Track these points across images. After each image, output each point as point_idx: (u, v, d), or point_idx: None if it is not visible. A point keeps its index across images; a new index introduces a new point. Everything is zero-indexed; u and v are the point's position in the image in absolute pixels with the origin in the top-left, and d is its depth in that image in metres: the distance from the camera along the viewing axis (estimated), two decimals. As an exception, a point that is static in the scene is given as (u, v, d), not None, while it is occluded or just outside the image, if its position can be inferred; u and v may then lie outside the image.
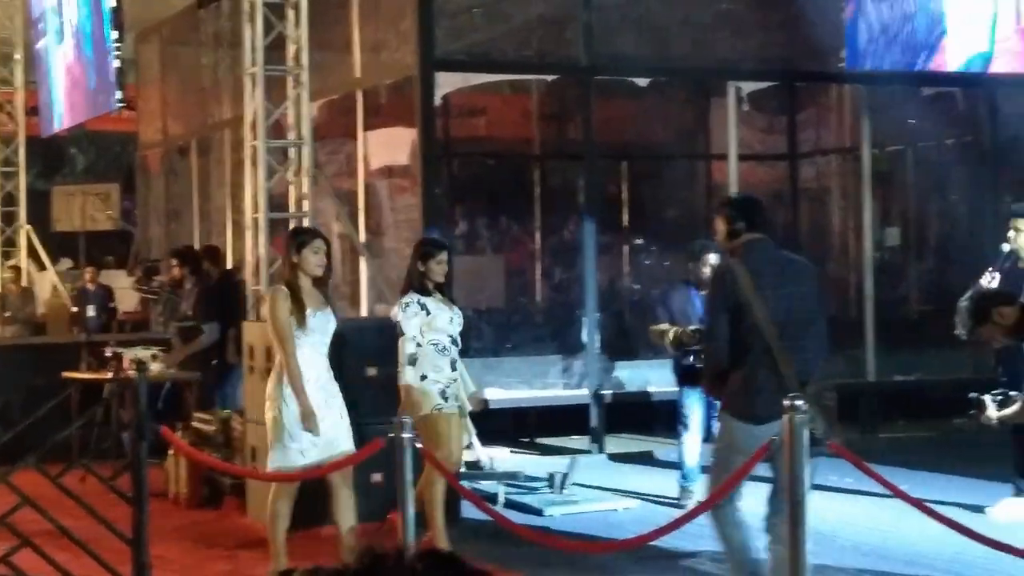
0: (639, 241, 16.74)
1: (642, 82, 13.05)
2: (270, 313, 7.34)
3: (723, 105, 13.51)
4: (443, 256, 8.09)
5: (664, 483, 10.22)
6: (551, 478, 10.08)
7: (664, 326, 9.13)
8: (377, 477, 8.58)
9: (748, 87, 13.42)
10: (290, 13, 11.41)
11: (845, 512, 9.22)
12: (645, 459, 11.92)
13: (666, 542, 7.77)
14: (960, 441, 11.57)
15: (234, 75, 13.94)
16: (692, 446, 9.57)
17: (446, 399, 7.96)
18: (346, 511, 7.36)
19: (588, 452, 11.92)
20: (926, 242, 17.69)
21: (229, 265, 13.88)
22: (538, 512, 9.36)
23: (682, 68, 13.62)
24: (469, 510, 8.57)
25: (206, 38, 16.39)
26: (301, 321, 7.23)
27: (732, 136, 13.15)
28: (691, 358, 9.08)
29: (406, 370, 7.94)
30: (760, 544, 6.41)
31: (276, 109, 11.50)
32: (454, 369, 8.07)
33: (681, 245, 16.39)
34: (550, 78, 13.63)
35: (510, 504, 9.50)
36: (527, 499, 9.68)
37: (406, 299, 8.05)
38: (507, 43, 13.66)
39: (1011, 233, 9.01)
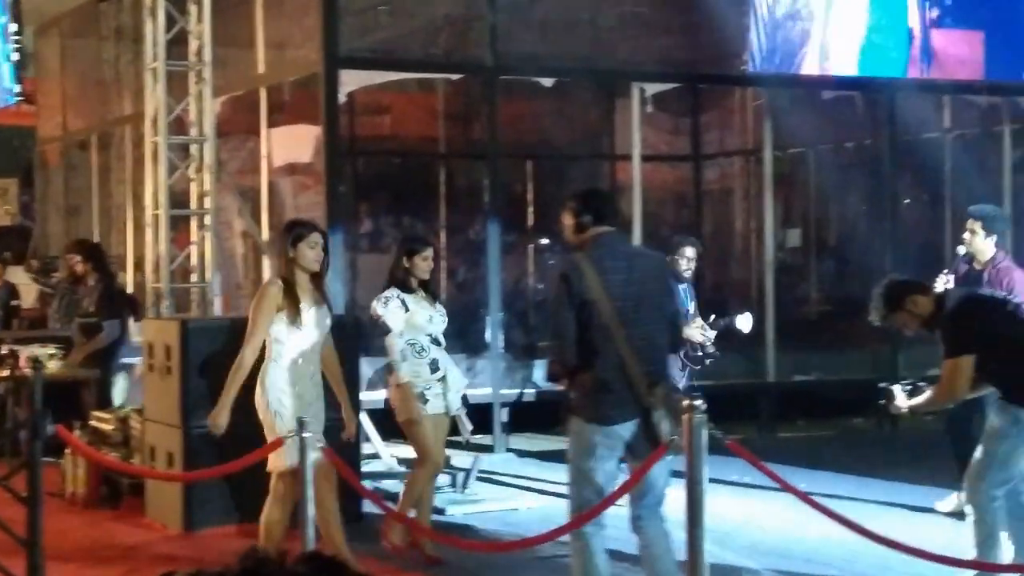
0: (544, 241, 16.77)
1: (547, 82, 13.08)
2: (255, 302, 7.11)
3: (627, 106, 13.58)
4: (428, 252, 7.95)
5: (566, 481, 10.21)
6: (454, 477, 10.07)
7: None
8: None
9: (652, 88, 13.49)
10: (192, 8, 11.32)
11: (744, 511, 9.31)
12: (548, 457, 11.95)
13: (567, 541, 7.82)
14: (859, 440, 11.75)
15: (135, 70, 13.77)
16: None
17: (426, 401, 7.83)
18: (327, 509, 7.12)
19: (491, 451, 11.93)
20: (826, 244, 17.93)
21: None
22: (440, 511, 9.33)
23: (586, 69, 13.68)
24: (371, 509, 8.54)
25: (107, 32, 16.16)
26: (295, 317, 6.99)
27: (636, 137, 13.22)
28: (693, 353, 9.49)
29: (400, 367, 7.81)
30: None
31: (178, 105, 11.39)
32: (435, 371, 7.89)
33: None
34: (455, 77, 13.61)
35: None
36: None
37: (386, 294, 7.91)
38: (412, 41, 13.63)
39: (967, 235, 9.02)
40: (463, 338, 13.20)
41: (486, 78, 12.53)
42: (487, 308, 12.51)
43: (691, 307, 9.74)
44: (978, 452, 6.65)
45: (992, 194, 14.97)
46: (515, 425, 12.38)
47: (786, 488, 6.12)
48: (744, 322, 9.94)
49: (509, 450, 12.13)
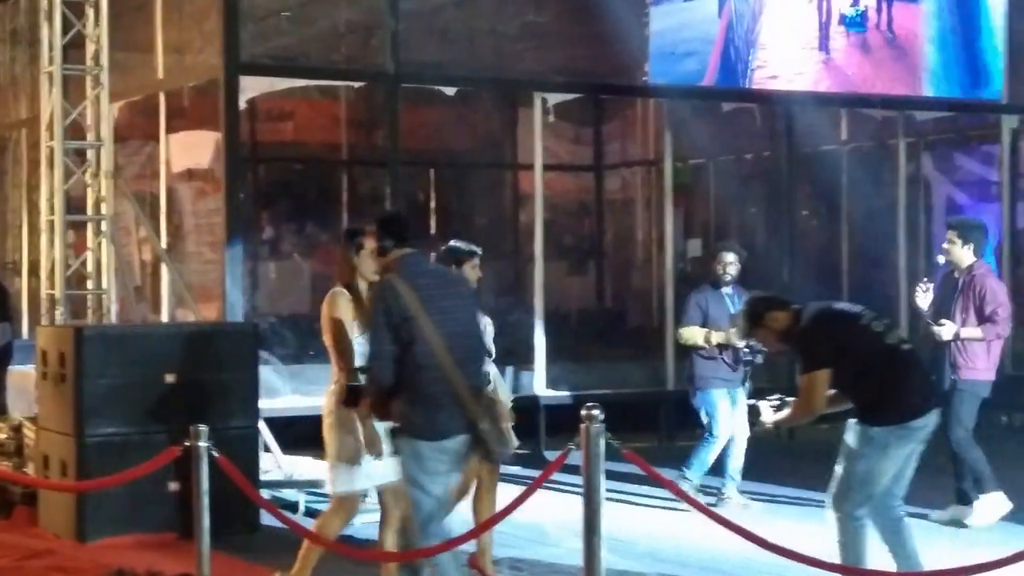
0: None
1: (449, 91, 13.08)
2: (330, 315, 6.68)
3: (530, 116, 13.62)
4: (476, 261, 7.54)
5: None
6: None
7: (698, 328, 9.71)
8: (174, 486, 8.41)
9: (554, 98, 13.56)
10: (89, 12, 11.17)
11: (641, 520, 9.37)
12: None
13: (465, 546, 7.82)
14: (758, 449, 11.85)
15: (32, 73, 13.57)
16: (717, 451, 9.77)
17: None
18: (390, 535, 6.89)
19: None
20: (726, 254, 18.11)
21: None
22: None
23: (488, 78, 13.70)
24: (269, 519, 8.47)
25: (3, 34, 15.89)
26: (365, 327, 6.48)
27: (538, 146, 13.26)
28: (744, 356, 9.63)
29: None
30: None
31: (74, 109, 11.24)
32: (488, 383, 7.31)
33: (488, 252, 16.56)
34: (357, 85, 13.57)
35: (311, 513, 9.40)
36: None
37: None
38: (314, 48, 13.56)
39: (946, 245, 9.22)
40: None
41: (388, 86, 12.50)
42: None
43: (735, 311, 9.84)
44: (838, 472, 6.67)
45: (887, 207, 15.25)
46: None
47: (681, 497, 6.18)
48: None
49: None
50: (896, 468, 6.60)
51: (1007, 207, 15.33)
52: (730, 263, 9.92)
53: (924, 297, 9.20)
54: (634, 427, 11.51)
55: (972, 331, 9.01)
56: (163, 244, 12.90)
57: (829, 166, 16.31)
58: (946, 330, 9.01)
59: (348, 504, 6.84)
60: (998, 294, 9.12)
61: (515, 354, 13.58)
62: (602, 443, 5.51)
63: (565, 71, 13.39)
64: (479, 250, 7.64)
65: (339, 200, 16.33)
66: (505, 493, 7.12)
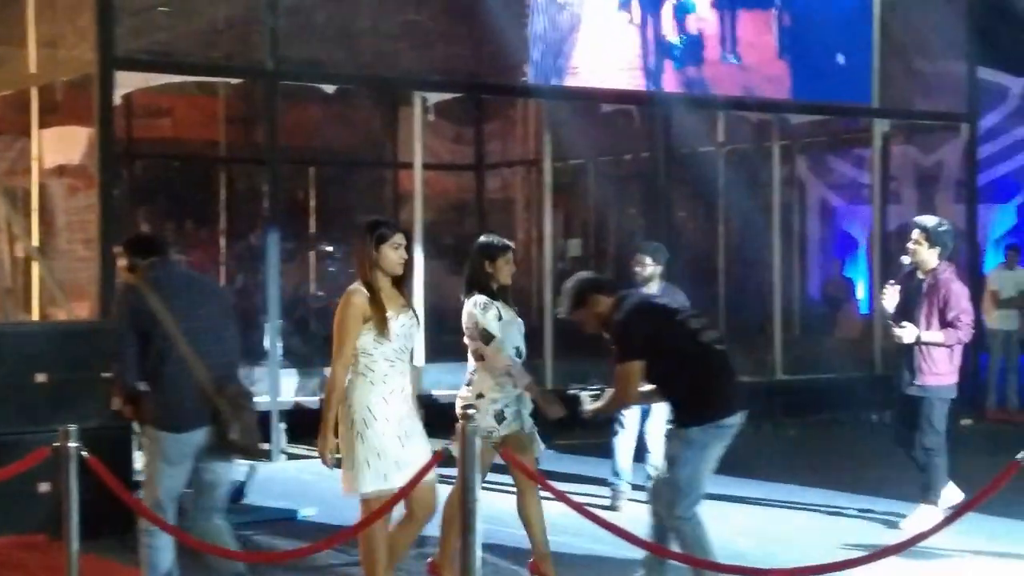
0: (327, 248, 16.69)
1: (329, 89, 13.01)
2: (340, 313, 6.36)
3: (410, 115, 13.60)
4: (510, 256, 7.31)
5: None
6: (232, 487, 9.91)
7: None
8: (45, 487, 8.26)
9: (435, 98, 13.56)
10: (-41, 4, 10.92)
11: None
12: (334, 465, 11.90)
13: (343, 549, 7.80)
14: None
15: (-102, 66, 13.26)
16: (625, 446, 9.62)
17: (503, 419, 7.20)
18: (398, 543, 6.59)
19: (268, 460, 11.80)
20: (605, 253, 18.26)
21: None
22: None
23: (368, 77, 13.66)
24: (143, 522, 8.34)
25: None
26: (383, 327, 6.30)
27: (417, 146, 13.24)
28: None
29: (516, 371, 7.17)
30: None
31: (-57, 103, 11.00)
32: (515, 385, 7.27)
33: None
34: (235, 81, 13.43)
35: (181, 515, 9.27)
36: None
37: (479, 298, 7.22)
38: (192, 44, 13.39)
39: (912, 245, 8.97)
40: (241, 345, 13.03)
41: (266, 83, 12.40)
42: (266, 315, 12.35)
43: None
44: (664, 477, 6.71)
45: (763, 208, 15.48)
46: (295, 434, 12.27)
47: (554, 493, 6.19)
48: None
49: (287, 459, 12.01)
50: (714, 465, 6.68)
51: (878, 209, 15.63)
52: (646, 264, 9.87)
53: (891, 298, 9.03)
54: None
55: (934, 335, 8.78)
56: (34, 241, 12.67)
57: (706, 167, 16.51)
58: (908, 333, 8.79)
59: (375, 507, 6.29)
60: (962, 299, 8.87)
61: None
62: (478, 443, 5.55)
63: (445, 70, 13.42)
64: (512, 244, 7.44)
65: (217, 198, 16.17)
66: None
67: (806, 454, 12.82)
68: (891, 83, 15.48)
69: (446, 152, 17.49)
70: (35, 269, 12.52)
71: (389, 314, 6.32)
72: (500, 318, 7.18)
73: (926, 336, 8.78)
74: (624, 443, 9.68)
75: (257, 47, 12.57)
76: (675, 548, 6.54)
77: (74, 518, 6.10)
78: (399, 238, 6.42)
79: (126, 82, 11.81)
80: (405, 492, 6.08)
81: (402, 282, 6.47)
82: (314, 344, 13.95)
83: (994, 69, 17.86)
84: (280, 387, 12.15)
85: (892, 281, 9.21)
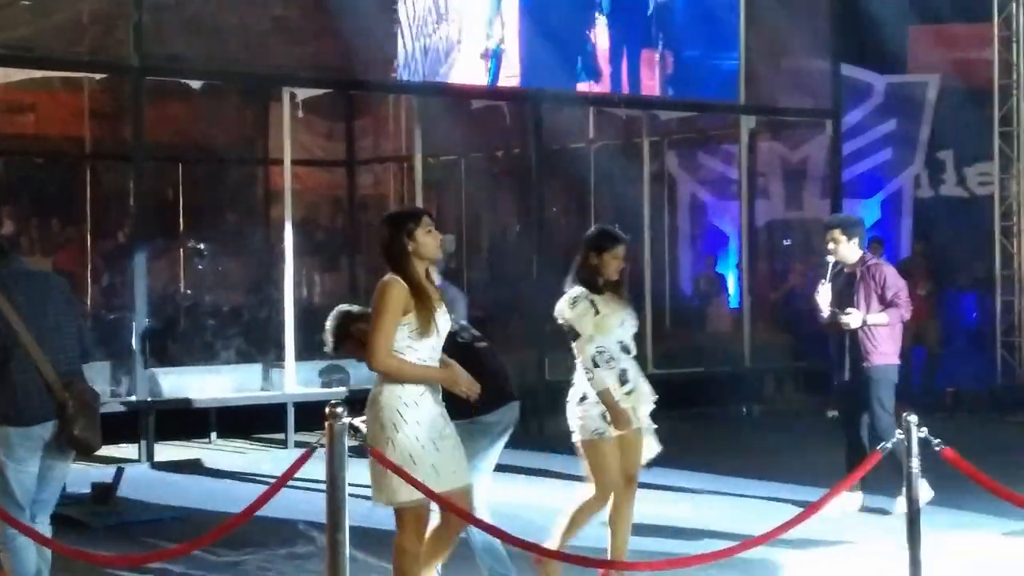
0: (197, 245, 16.50)
1: (196, 85, 12.87)
2: (379, 302, 5.81)
3: (280, 111, 13.49)
4: (620, 251, 6.97)
5: (213, 489, 10.11)
6: (95, 489, 9.78)
7: None
8: None
9: (304, 94, 13.48)
10: None
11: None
12: (194, 467, 11.81)
13: (212, 550, 7.75)
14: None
15: None
16: None
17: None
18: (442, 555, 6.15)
19: (136, 461, 11.67)
20: (478, 249, 18.31)
21: None
22: (85, 525, 9.06)
23: (236, 72, 13.54)
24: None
25: None
26: (428, 322, 5.83)
27: (287, 142, 13.15)
28: None
29: (596, 374, 6.85)
30: None
31: None
32: (624, 382, 6.97)
33: (239, 248, 16.42)
34: (100, 77, 13.23)
35: (53, 518, 9.12)
36: (71, 511, 9.32)
37: (573, 291, 6.95)
38: (55, 39, 13.17)
39: (831, 244, 9.34)
40: (108, 345, 12.87)
41: (132, 79, 12.22)
42: (133, 314, 12.18)
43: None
44: None
45: (633, 204, 15.64)
46: (162, 434, 12.14)
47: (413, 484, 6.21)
48: None
49: (154, 461, 11.88)
50: (488, 461, 6.71)
51: (745, 205, 15.87)
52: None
53: (824, 295, 9.33)
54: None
55: (879, 316, 9.21)
56: None
57: (577, 163, 16.64)
58: (853, 318, 9.17)
59: (415, 516, 5.90)
60: (896, 279, 9.38)
61: (266, 352, 13.50)
62: (346, 440, 5.53)
63: (314, 66, 13.33)
64: (626, 238, 7.17)
65: (83, 196, 15.91)
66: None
67: (677, 446, 12.98)
68: (757, 80, 15.74)
69: (317, 148, 17.40)
70: None
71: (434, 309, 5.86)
72: (597, 312, 6.86)
73: (872, 319, 9.20)
74: None
75: (122, 42, 12.40)
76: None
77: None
78: (428, 220, 5.93)
79: (-14, 77, 11.61)
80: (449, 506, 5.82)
81: (430, 274, 5.98)
82: (183, 343, 13.81)
83: (858, 66, 18.24)
84: (148, 386, 11.99)
85: (823, 281, 9.46)
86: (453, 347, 6.49)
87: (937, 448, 5.81)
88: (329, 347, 6.88)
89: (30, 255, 15.83)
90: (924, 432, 5.83)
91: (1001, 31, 15.95)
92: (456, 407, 6.27)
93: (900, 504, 8.84)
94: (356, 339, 6.76)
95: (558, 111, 14.95)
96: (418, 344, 5.82)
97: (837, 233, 9.35)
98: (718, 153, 17.73)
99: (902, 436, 5.72)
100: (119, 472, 10.16)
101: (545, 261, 14.61)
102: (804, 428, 13.81)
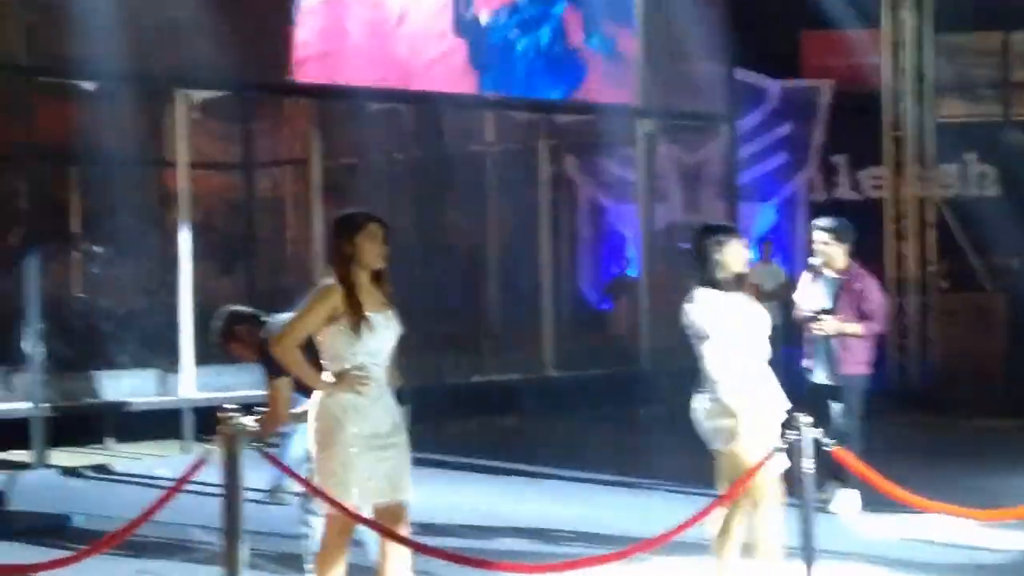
0: (92, 248, 16.26)
1: (89, 86, 12.72)
2: (308, 300, 5.81)
3: (175, 112, 13.36)
4: (740, 241, 6.61)
5: (107, 495, 9.99)
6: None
7: None
8: None
9: (200, 95, 13.37)
10: None
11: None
12: (97, 471, 11.68)
13: (107, 556, 7.65)
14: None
15: None
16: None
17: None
18: (395, 572, 5.88)
19: (30, 467, 11.49)
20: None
21: None
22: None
23: (129, 73, 13.32)
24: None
25: None
26: (357, 328, 5.70)
27: (182, 144, 13.05)
28: None
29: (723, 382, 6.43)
30: None
31: None
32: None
33: (135, 251, 16.21)
34: (-10, 77, 12.99)
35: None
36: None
37: (703, 292, 6.51)
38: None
39: (819, 247, 9.39)
40: (-1, 349, 12.66)
41: (21, 79, 12.07)
42: (25, 319, 11.98)
43: None
44: None
45: (531, 206, 15.71)
46: (56, 440, 11.97)
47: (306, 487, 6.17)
48: None
49: (48, 466, 11.71)
50: None
51: (644, 207, 16.00)
52: None
53: (808, 294, 9.44)
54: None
55: (854, 327, 9.26)
56: None
57: (476, 166, 16.67)
58: (828, 325, 9.23)
59: (339, 522, 5.79)
60: (876, 293, 9.48)
61: (161, 356, 13.34)
62: (241, 445, 5.51)
63: (209, 67, 13.16)
64: (732, 227, 6.89)
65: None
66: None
67: (575, 447, 13.06)
68: (655, 83, 15.86)
69: (214, 151, 17.22)
70: None
71: (368, 313, 5.74)
72: (725, 314, 6.45)
73: (848, 328, 9.27)
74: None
75: (11, 42, 12.21)
76: None
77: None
78: (374, 227, 5.83)
79: None
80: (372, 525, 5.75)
81: (381, 277, 5.85)
82: (78, 347, 13.60)
83: (753, 71, 18.46)
84: (41, 392, 11.81)
85: (808, 279, 9.56)
86: None
87: (826, 448, 5.94)
88: (216, 345, 6.85)
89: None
90: (819, 433, 5.97)
91: (891, 36, 16.22)
92: None
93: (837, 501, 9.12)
94: (241, 340, 6.73)
95: (456, 114, 14.97)
96: (356, 347, 5.71)
97: (828, 236, 9.43)
98: (616, 156, 17.83)
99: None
100: (11, 479, 10.01)
101: (446, 263, 14.66)
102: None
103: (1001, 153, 19.37)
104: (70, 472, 11.66)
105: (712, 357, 6.43)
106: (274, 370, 6.58)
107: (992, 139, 19.47)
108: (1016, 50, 20.27)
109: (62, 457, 12.04)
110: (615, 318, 17.53)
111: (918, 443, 12.43)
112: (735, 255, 6.51)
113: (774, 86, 19.43)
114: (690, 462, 11.37)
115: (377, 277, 5.84)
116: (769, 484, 6.37)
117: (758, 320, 6.57)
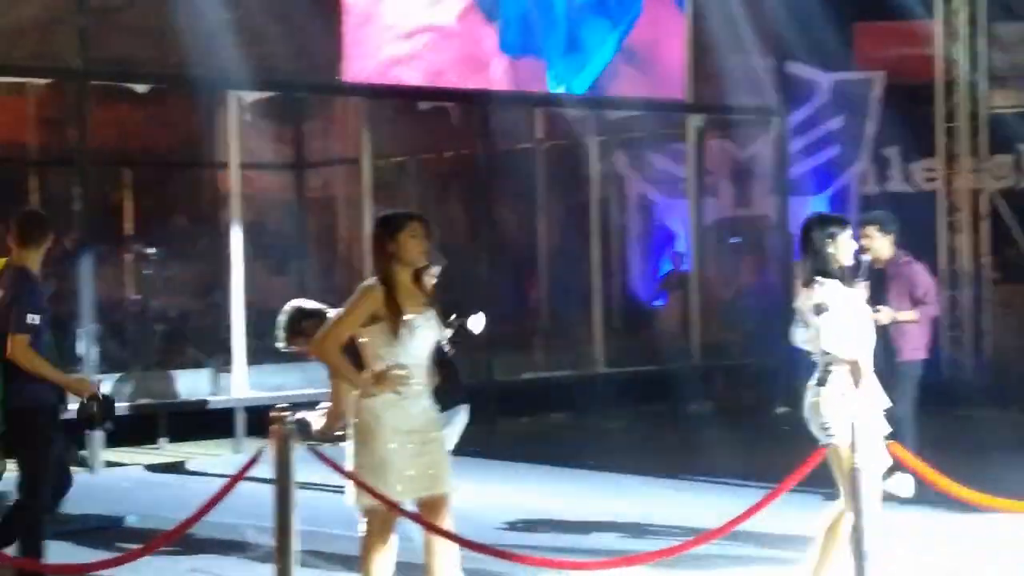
0: (145, 250, 16.38)
1: (141, 89, 12.83)
2: (351, 300, 5.88)
3: (227, 114, 13.44)
4: (848, 233, 6.55)
5: (162, 495, 10.03)
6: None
7: None
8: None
9: (251, 97, 13.46)
10: None
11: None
12: (151, 471, 11.76)
13: (161, 555, 7.71)
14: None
15: None
16: None
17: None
18: (442, 566, 5.97)
19: (85, 467, 11.60)
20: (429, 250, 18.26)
21: None
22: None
23: (182, 76, 13.43)
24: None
25: None
26: (395, 328, 5.77)
27: (234, 145, 13.12)
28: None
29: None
30: None
31: None
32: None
33: (189, 253, 16.33)
34: (44, 82, 13.11)
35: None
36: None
37: (824, 283, 6.43)
38: (-6, 42, 13.02)
39: (864, 241, 9.38)
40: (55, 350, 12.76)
41: (76, 83, 12.16)
42: (80, 320, 12.09)
43: None
44: None
45: (582, 203, 15.70)
46: (110, 440, 12.07)
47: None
48: (475, 323, 10.03)
49: (103, 466, 11.79)
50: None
51: (694, 203, 15.95)
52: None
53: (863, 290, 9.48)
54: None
55: (908, 314, 9.49)
56: None
57: (526, 164, 16.67)
58: (884, 315, 9.30)
59: (381, 518, 5.88)
60: (925, 277, 9.71)
61: (215, 356, 13.43)
62: (292, 444, 5.53)
63: (261, 69, 13.23)
64: (845, 219, 6.78)
65: (28, 201, 15.77)
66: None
67: (626, 444, 13.06)
68: (703, 80, 15.80)
69: (265, 152, 17.31)
70: None
71: (407, 315, 5.79)
72: (846, 305, 6.42)
73: (902, 316, 9.47)
74: None
75: (66, 47, 12.32)
76: None
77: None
78: (415, 226, 5.86)
79: (-74, 83, 11.50)
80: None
81: (420, 276, 5.93)
82: (132, 347, 13.72)
83: (804, 64, 18.33)
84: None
85: (860, 279, 9.53)
86: None
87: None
88: (281, 342, 6.87)
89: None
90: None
91: (944, 27, 16.08)
92: None
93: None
94: (307, 335, 6.75)
95: (505, 112, 14.96)
96: (396, 347, 5.78)
97: (873, 230, 9.53)
98: (667, 152, 17.77)
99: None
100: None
101: (496, 259, 14.65)
102: (752, 426, 13.90)
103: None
104: (125, 472, 11.76)
105: (834, 335, 6.32)
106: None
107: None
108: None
109: (116, 457, 12.14)
110: (666, 314, 17.47)
111: (971, 437, 12.32)
112: (846, 248, 6.52)
113: (825, 79, 19.25)
114: (741, 458, 11.43)
115: (417, 277, 5.88)
116: (876, 481, 6.30)
117: (866, 315, 6.63)
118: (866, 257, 9.46)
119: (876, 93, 19.27)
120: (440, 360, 6.32)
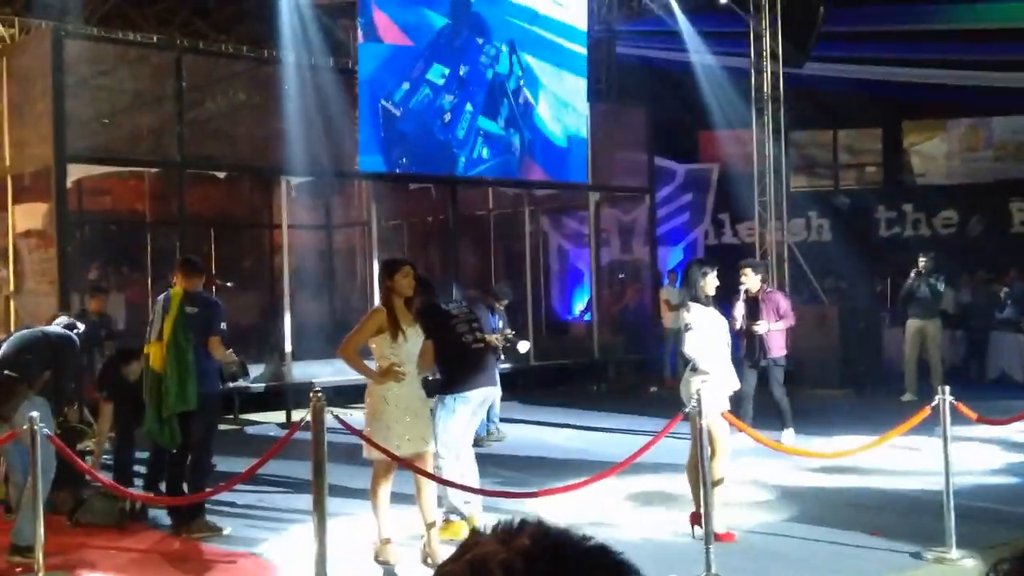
0: (224, 283, 16.22)
1: (220, 175, 12.75)
2: (363, 319, 5.93)
3: (279, 191, 13.37)
4: (715, 274, 6.57)
5: (243, 446, 9.95)
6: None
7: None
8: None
9: (296, 180, 13.37)
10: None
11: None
12: (230, 433, 11.55)
13: (240, 488, 7.55)
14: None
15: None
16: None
17: None
18: (426, 497, 5.95)
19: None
20: (417, 282, 18.13)
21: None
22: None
23: (249, 166, 13.34)
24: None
25: None
26: (395, 336, 5.78)
27: (284, 213, 13.06)
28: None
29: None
30: None
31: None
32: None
33: (255, 288, 16.18)
34: (155, 170, 12.99)
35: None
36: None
37: (692, 306, 6.49)
38: (123, 144, 12.86)
39: (743, 278, 9.55)
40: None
41: (176, 171, 12.07)
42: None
43: (500, 324, 10.24)
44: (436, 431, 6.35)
45: (520, 253, 15.65)
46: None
47: (379, 449, 6.10)
48: (523, 345, 10.17)
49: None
50: (464, 422, 6.54)
51: (593, 251, 16.00)
52: (501, 296, 10.58)
53: (740, 311, 9.54)
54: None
55: (777, 325, 9.56)
56: (11, 284, 12.04)
57: (482, 225, 16.61)
58: (761, 327, 9.50)
59: (384, 466, 5.97)
60: (785, 301, 9.79)
61: (271, 354, 13.30)
62: (324, 414, 5.41)
63: (302, 161, 13.17)
64: (712, 262, 6.71)
65: (145, 252, 15.61)
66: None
67: (555, 406, 13.01)
68: (599, 167, 15.86)
69: (305, 217, 17.21)
70: (12, 303, 11.91)
71: (403, 326, 5.82)
72: (704, 320, 6.43)
73: (774, 327, 9.55)
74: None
75: (170, 146, 12.22)
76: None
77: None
78: (406, 268, 5.92)
79: (76, 170, 11.34)
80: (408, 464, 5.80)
81: (410, 303, 5.94)
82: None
83: (666, 158, 18.47)
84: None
85: (738, 301, 9.66)
86: (457, 343, 6.46)
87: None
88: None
89: (107, 291, 15.46)
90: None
91: (759, 134, 16.25)
92: (449, 385, 6.41)
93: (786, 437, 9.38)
94: (420, 295, 6.42)
95: (467, 190, 14.94)
96: (394, 350, 5.80)
97: (749, 271, 9.65)
98: (575, 217, 17.83)
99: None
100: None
101: (461, 290, 14.60)
102: (635, 399, 13.90)
103: (833, 211, 19.42)
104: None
105: (695, 346, 6.42)
106: (425, 334, 6.16)
107: (826, 202, 19.54)
108: (842, 142, 20.38)
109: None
110: (576, 326, 17.47)
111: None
112: (711, 283, 6.54)
113: (680, 168, 19.42)
114: (629, 420, 11.39)
115: (407, 302, 5.91)
116: (722, 434, 6.38)
117: (721, 325, 6.60)
118: (742, 287, 9.64)
119: (714, 177, 19.43)
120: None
